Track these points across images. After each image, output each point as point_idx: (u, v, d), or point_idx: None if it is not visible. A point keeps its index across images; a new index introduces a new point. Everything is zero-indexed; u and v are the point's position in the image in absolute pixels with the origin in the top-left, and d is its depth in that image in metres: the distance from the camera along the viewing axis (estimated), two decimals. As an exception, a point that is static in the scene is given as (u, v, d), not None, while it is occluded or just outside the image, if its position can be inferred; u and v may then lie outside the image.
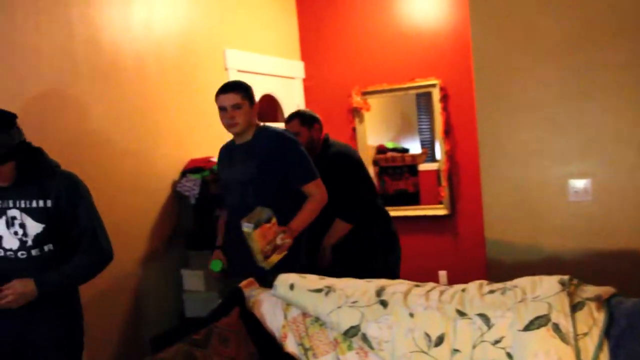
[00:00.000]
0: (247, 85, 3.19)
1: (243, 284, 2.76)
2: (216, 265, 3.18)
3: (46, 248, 2.46)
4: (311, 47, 5.32)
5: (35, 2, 2.97)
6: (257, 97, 4.67)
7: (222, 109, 3.10)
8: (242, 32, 4.55)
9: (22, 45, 2.91)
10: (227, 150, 3.29)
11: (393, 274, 3.54)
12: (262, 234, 2.74)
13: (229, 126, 3.11)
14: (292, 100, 5.20)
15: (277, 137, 3.16)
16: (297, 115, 3.68)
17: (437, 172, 5.04)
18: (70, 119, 3.13)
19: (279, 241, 2.81)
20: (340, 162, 3.57)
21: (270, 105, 5.07)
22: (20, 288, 2.35)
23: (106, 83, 3.34)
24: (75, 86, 3.16)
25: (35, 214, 2.44)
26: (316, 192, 3.13)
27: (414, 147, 5.38)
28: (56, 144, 3.02)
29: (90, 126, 3.23)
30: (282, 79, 5.07)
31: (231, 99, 3.07)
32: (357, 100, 5.10)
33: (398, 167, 5.27)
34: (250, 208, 2.88)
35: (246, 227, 2.71)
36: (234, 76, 4.30)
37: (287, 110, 5.13)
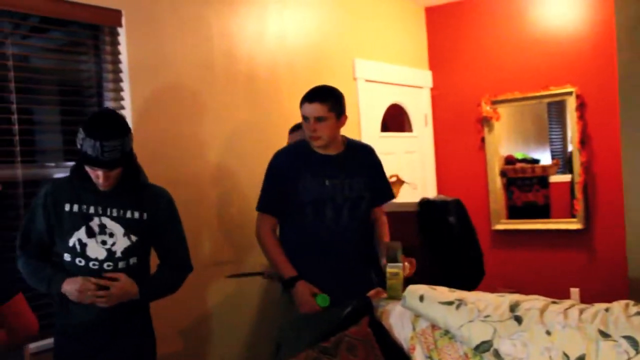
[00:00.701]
0: (338, 93, 2.80)
1: (371, 293, 2.75)
2: (325, 300, 2.77)
3: (131, 261, 2.33)
4: (439, 56, 5.26)
5: (181, 19, 3.16)
6: (384, 107, 4.74)
7: (304, 118, 2.77)
8: (371, 42, 4.58)
9: (168, 57, 3.10)
10: (303, 159, 2.83)
11: None
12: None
13: (310, 138, 2.78)
14: (419, 110, 5.17)
15: (374, 153, 3.03)
16: (299, 127, 3.58)
17: (571, 184, 4.81)
18: (206, 126, 3.28)
19: (405, 271, 2.73)
20: None
21: (397, 114, 5.06)
22: (127, 286, 2.28)
23: (241, 92, 3.48)
24: (213, 94, 3.32)
25: (127, 225, 2.32)
26: (384, 214, 3.04)
27: (544, 157, 5.18)
28: (191, 148, 3.19)
29: (224, 132, 3.37)
30: (409, 89, 5.05)
31: (315, 110, 2.72)
32: (486, 109, 4.98)
33: (527, 179, 5.10)
34: (362, 226, 2.83)
35: (395, 268, 2.63)
36: (362, 86, 4.33)
37: (415, 120, 5.11)
